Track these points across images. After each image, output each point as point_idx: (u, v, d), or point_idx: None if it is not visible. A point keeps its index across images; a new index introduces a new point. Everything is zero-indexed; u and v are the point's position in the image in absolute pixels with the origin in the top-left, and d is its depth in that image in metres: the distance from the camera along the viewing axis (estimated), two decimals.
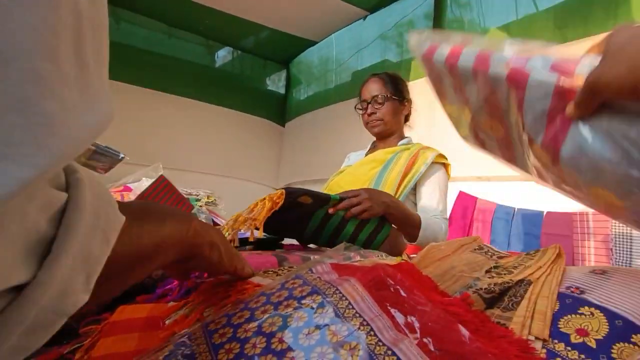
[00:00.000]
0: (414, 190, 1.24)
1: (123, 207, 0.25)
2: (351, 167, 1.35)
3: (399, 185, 1.18)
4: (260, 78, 3.84)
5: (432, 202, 1.18)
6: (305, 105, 3.59)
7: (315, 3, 2.72)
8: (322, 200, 0.77)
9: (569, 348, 0.31)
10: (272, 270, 0.47)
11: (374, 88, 1.33)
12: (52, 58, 0.16)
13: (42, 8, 0.16)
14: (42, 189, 0.18)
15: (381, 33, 2.83)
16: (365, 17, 2.90)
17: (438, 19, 2.48)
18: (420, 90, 2.55)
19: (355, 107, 1.39)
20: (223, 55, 3.62)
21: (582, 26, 1.80)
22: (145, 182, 1.18)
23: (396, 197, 1.17)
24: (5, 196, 0.15)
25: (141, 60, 3.08)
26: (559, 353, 0.31)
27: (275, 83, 3.92)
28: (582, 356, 0.30)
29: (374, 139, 1.43)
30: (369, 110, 1.31)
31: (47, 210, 0.19)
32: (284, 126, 3.85)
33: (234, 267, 0.39)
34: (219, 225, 1.14)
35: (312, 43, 3.37)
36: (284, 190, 0.70)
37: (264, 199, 0.69)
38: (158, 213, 0.31)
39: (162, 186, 0.74)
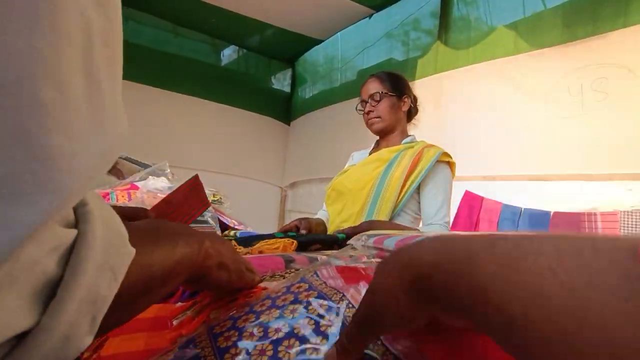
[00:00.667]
0: (419, 189, 1.24)
1: (133, 231, 0.23)
2: (355, 167, 1.35)
3: (403, 184, 1.18)
4: (266, 77, 3.84)
5: (433, 208, 1.19)
6: (310, 103, 3.59)
7: (321, 1, 2.71)
8: (331, 242, 0.82)
9: None
10: (279, 274, 0.47)
11: (371, 87, 1.33)
12: (57, 83, 0.14)
13: (42, 28, 0.14)
14: (50, 229, 0.17)
15: (387, 31, 2.82)
16: (371, 16, 2.88)
17: (444, 17, 2.46)
18: (426, 88, 2.54)
19: (356, 108, 1.39)
20: (229, 53, 3.62)
21: (592, 24, 1.78)
22: (152, 181, 1.19)
23: (400, 196, 1.18)
24: (11, 246, 0.14)
25: (148, 59, 3.09)
26: None
27: (281, 82, 3.92)
28: None
29: (377, 138, 1.43)
30: (367, 109, 1.32)
31: (55, 252, 0.18)
32: (289, 125, 3.85)
33: (243, 284, 0.38)
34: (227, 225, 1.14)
35: (318, 41, 3.36)
36: (296, 242, 0.72)
37: (278, 247, 0.70)
38: (169, 235, 0.30)
39: (192, 186, 0.74)
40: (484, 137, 2.10)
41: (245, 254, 0.70)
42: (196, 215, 0.66)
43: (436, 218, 1.17)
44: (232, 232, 1.01)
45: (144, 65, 3.02)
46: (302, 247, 0.74)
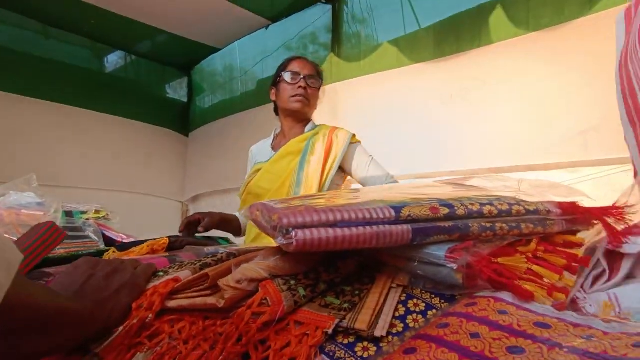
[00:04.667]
0: (341, 173, 1.25)
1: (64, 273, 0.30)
2: (267, 165, 1.31)
3: (322, 172, 1.19)
4: (159, 85, 3.60)
5: (377, 174, 1.22)
6: (210, 113, 3.47)
7: (215, 9, 2.66)
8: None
9: None
10: (162, 271, 0.44)
11: (310, 68, 1.31)
12: None
13: None
14: None
15: (285, 42, 2.89)
16: (267, 27, 2.93)
17: (336, 32, 2.62)
18: (325, 97, 2.64)
19: (280, 76, 1.32)
20: (114, 59, 3.31)
21: (456, 43, 2.08)
22: (14, 196, 1.01)
23: (322, 182, 1.19)
24: None
25: (11, 63, 2.66)
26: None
27: (177, 91, 3.71)
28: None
29: (276, 129, 1.40)
30: (302, 84, 1.27)
31: None
32: (187, 136, 3.65)
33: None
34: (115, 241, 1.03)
35: (215, 50, 3.28)
36: (166, 240, 0.69)
37: (142, 246, 0.67)
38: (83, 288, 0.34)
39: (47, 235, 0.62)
40: (377, 141, 2.27)
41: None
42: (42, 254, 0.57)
43: (385, 179, 1.22)
44: None
45: (6, 70, 2.59)
46: (174, 248, 0.72)
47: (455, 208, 0.35)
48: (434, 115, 2.08)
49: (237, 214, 1.34)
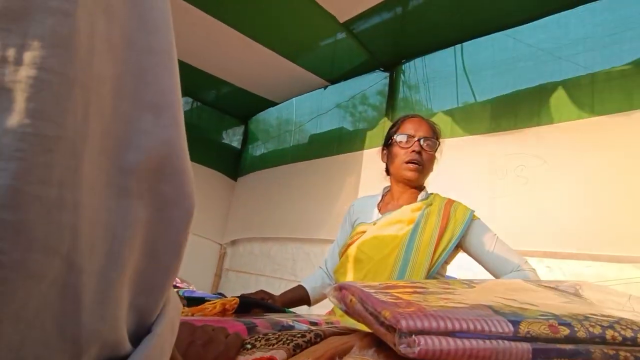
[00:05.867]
0: (455, 251, 1.10)
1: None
2: (374, 228, 1.15)
3: (435, 249, 1.04)
4: (217, 131, 3.84)
5: (507, 256, 1.04)
6: (259, 162, 3.61)
7: (279, 68, 2.87)
8: (273, 310, 0.80)
9: None
10: (249, 344, 0.43)
11: (425, 129, 1.16)
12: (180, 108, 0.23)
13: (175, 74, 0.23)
14: None
15: (339, 103, 3.03)
16: (326, 87, 3.10)
17: (391, 97, 2.72)
18: (373, 159, 2.69)
19: (392, 138, 1.19)
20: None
21: (513, 119, 2.08)
22: None
23: (434, 260, 1.05)
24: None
25: None
26: None
27: (230, 137, 3.93)
28: None
29: (385, 189, 1.26)
30: (416, 148, 1.13)
31: None
32: (236, 180, 3.80)
33: None
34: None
35: (273, 103, 3.49)
36: (237, 300, 0.69)
37: (215, 304, 0.67)
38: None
39: None
40: None
41: (191, 314, 0.64)
42: None
43: (514, 267, 1.03)
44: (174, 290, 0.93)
45: None
46: (244, 307, 0.71)
47: (576, 329, 0.32)
48: (487, 190, 2.03)
49: (305, 285, 1.23)
